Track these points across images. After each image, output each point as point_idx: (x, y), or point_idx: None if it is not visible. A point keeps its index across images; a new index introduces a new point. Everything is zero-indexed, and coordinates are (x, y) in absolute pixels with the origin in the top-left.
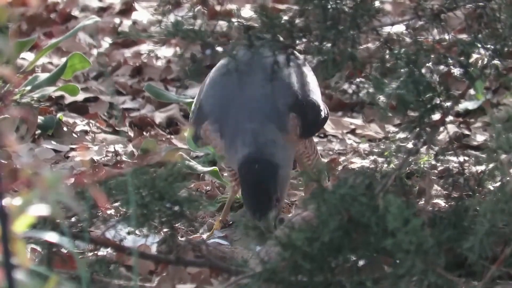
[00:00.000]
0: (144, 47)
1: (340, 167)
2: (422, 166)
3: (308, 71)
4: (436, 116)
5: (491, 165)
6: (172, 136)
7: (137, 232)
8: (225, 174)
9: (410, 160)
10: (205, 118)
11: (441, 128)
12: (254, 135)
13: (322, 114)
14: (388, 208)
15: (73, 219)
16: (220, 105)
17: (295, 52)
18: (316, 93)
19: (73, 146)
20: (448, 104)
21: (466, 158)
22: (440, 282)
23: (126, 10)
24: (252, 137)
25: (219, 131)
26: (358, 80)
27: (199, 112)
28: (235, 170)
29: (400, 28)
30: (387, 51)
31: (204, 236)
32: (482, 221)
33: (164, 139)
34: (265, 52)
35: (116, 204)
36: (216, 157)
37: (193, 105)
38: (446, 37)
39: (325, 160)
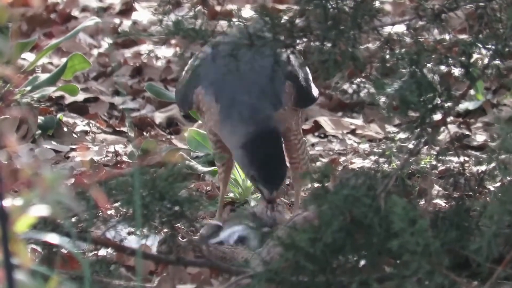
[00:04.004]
0: (144, 47)
1: (340, 168)
2: (423, 166)
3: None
4: (437, 117)
5: (491, 165)
6: (172, 136)
7: (137, 232)
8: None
9: (411, 160)
10: (199, 82)
11: (442, 128)
12: (252, 111)
13: (314, 92)
14: (392, 209)
15: (73, 220)
16: (215, 70)
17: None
18: (307, 72)
19: (73, 147)
20: (449, 104)
21: (467, 159)
22: (446, 283)
23: (126, 10)
24: (250, 113)
25: (214, 95)
26: (358, 80)
27: (193, 76)
28: (229, 143)
29: (400, 28)
30: (388, 51)
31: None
32: (488, 222)
33: (164, 139)
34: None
35: (117, 204)
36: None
37: (183, 72)
38: (447, 37)
39: (324, 160)
